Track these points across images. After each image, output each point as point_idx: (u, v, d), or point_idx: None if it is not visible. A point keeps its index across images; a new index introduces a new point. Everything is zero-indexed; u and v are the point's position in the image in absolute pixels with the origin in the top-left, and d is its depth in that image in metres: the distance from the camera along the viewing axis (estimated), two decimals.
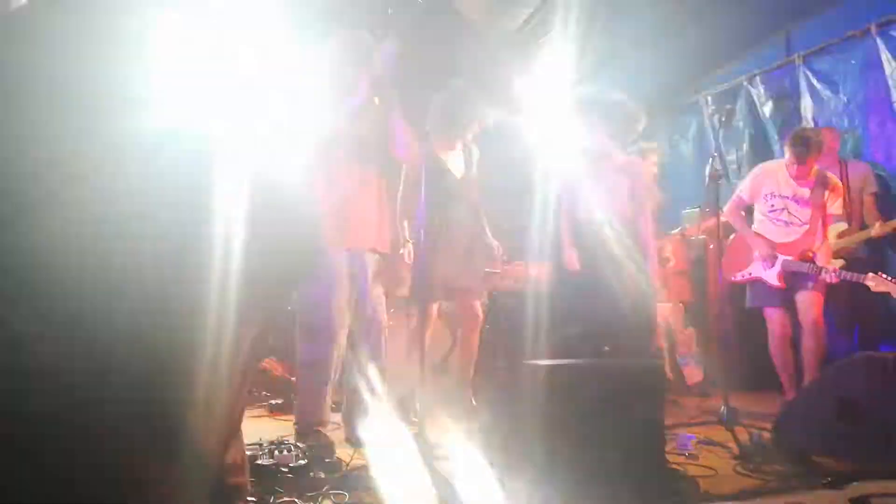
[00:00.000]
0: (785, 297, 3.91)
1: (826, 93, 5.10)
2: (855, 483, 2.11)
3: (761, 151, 5.61)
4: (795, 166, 3.87)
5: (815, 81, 5.18)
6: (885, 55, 4.63)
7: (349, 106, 2.82)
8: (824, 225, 3.95)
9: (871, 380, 2.36)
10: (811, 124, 5.06)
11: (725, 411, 3.16)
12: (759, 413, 3.58)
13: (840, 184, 3.99)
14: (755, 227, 4.07)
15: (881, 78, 4.65)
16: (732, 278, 4.13)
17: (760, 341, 4.09)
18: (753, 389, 4.93)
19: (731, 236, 4.36)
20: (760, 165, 4.20)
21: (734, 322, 4.60)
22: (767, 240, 3.99)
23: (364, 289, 2.97)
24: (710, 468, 2.42)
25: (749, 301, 4.10)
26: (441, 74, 3.47)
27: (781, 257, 3.92)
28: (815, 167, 3.94)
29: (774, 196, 3.99)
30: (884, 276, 3.60)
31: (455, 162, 3.69)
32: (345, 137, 2.93)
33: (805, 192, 3.93)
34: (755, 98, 5.64)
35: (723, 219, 3.95)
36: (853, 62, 4.90)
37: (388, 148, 3.10)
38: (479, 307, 3.73)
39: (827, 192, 3.92)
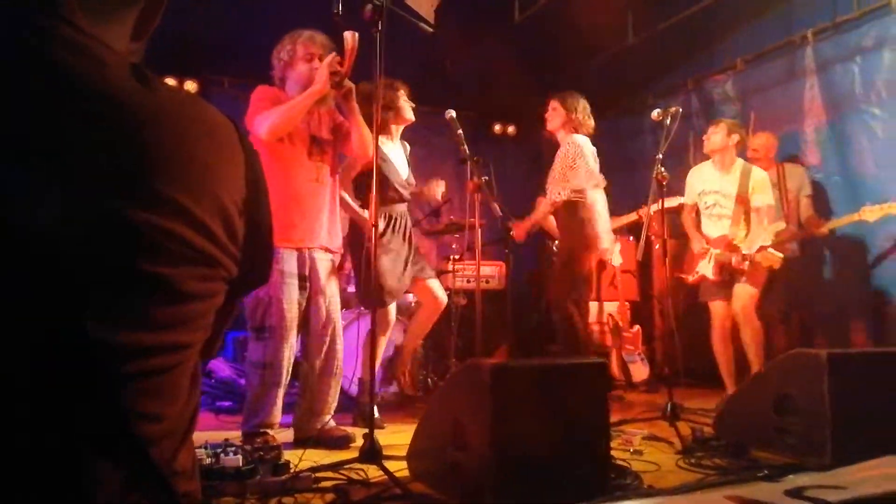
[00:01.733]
0: (724, 291, 4.03)
1: (766, 98, 5.29)
2: (790, 476, 2.19)
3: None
4: (718, 156, 4.08)
5: (754, 87, 5.38)
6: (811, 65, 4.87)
7: (307, 100, 2.77)
8: (747, 216, 4.05)
9: (806, 376, 2.45)
10: (753, 128, 5.23)
11: (669, 407, 3.25)
12: (702, 409, 3.69)
13: (766, 178, 4.10)
14: (702, 225, 4.20)
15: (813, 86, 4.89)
16: (690, 278, 4.24)
17: (705, 338, 4.21)
18: (698, 386, 5.10)
19: None
20: (692, 168, 4.38)
21: (679, 320, 4.73)
22: (702, 235, 4.15)
23: (316, 288, 2.93)
24: (654, 463, 2.48)
25: (700, 297, 4.22)
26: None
27: (713, 251, 4.05)
28: (738, 160, 4.09)
29: (706, 193, 4.15)
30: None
31: (398, 159, 3.66)
32: (299, 133, 2.89)
33: (729, 185, 4.07)
34: (700, 101, 5.82)
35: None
36: (789, 69, 5.10)
37: (342, 147, 3.07)
38: (439, 289, 3.70)
39: (751, 185, 4.03)
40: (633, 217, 5.23)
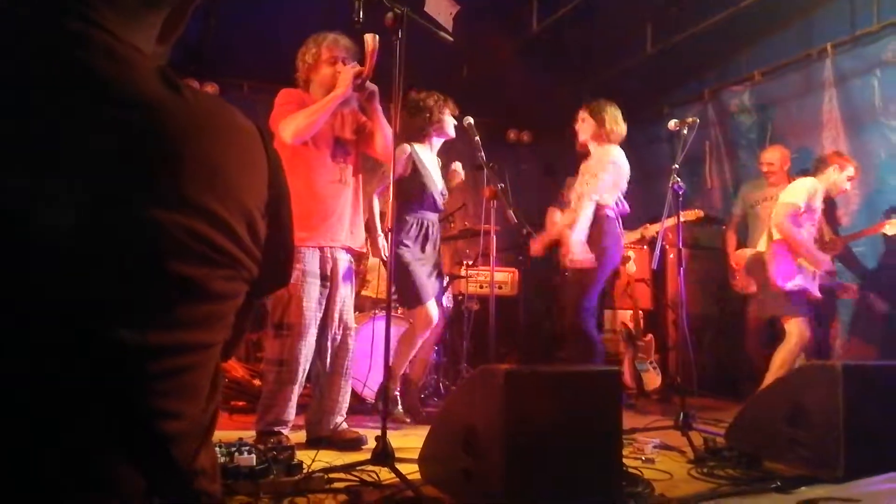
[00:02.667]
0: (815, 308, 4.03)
1: (784, 111, 5.28)
2: (802, 488, 2.18)
3: (724, 165, 5.78)
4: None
5: (772, 99, 5.37)
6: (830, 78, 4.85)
7: (332, 103, 2.81)
8: None
9: (820, 387, 2.44)
10: (770, 140, 5.23)
11: (682, 416, 3.24)
12: (715, 418, 3.67)
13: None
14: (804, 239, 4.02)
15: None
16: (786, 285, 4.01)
17: (719, 348, 4.20)
18: (711, 395, 5.07)
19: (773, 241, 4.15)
20: (812, 180, 4.09)
21: (693, 329, 4.70)
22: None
23: (335, 287, 2.96)
24: (666, 472, 2.48)
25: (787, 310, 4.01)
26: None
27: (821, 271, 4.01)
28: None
29: (816, 212, 4.07)
30: None
31: (434, 169, 3.73)
32: (323, 135, 2.93)
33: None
34: (717, 112, 5.81)
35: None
36: (807, 82, 5.09)
37: (366, 147, 3.10)
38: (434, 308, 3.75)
39: None
40: (636, 235, 5.15)
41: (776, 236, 4.01)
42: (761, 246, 4.16)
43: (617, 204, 3.80)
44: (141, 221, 0.69)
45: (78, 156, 0.67)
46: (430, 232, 3.68)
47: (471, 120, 3.51)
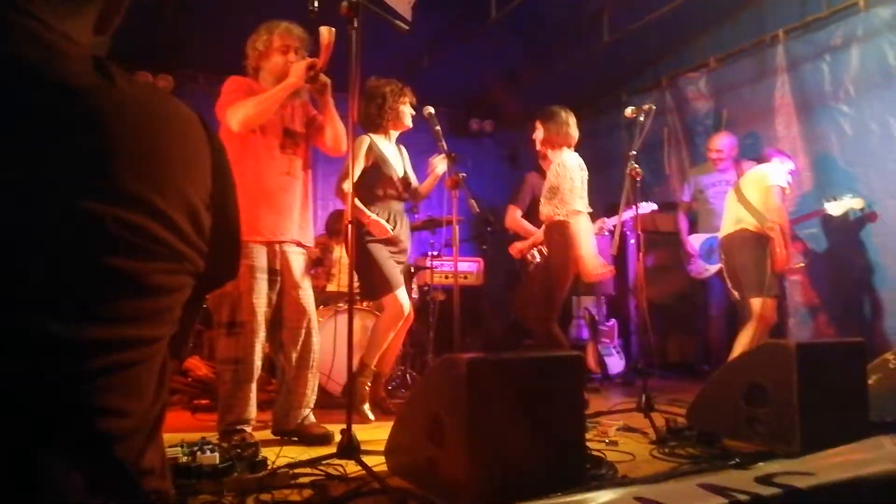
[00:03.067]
0: None
1: (738, 96, 5.39)
2: (760, 463, 2.24)
3: (681, 151, 5.87)
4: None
5: (727, 85, 5.48)
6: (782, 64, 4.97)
7: (281, 93, 2.76)
8: None
9: (775, 366, 2.51)
10: (725, 125, 5.34)
11: (644, 399, 3.30)
12: (676, 399, 3.75)
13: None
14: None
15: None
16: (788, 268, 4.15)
17: (679, 332, 4.29)
18: (673, 377, 5.19)
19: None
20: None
21: (655, 313, 4.78)
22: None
23: (290, 282, 2.93)
24: (629, 453, 2.52)
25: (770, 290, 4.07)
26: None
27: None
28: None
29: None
30: None
31: (394, 159, 3.70)
32: (272, 126, 2.87)
33: None
34: (674, 99, 5.89)
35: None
36: (760, 68, 5.20)
37: (315, 141, 3.06)
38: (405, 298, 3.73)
39: None
40: (595, 228, 5.16)
41: (767, 222, 4.03)
42: (729, 229, 4.20)
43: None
44: (70, 213, 0.66)
45: (4, 145, 0.65)
46: (398, 222, 3.65)
47: (431, 109, 3.50)
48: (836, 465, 2.17)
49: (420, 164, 3.97)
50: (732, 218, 4.18)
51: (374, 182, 3.60)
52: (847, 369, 2.64)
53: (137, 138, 0.73)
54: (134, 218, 0.69)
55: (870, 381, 2.85)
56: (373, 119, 3.63)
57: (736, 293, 4.22)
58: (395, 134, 3.74)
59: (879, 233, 4.46)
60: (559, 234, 3.72)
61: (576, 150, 3.89)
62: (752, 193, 4.10)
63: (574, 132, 3.87)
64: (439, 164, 3.73)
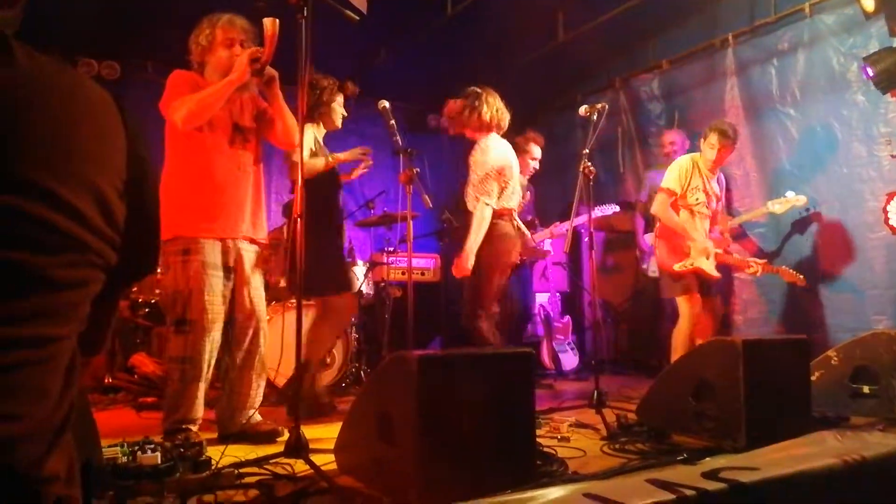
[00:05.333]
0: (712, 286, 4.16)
1: (689, 98, 5.49)
2: (707, 458, 2.28)
3: (635, 151, 5.95)
4: (717, 155, 4.06)
5: (679, 87, 5.57)
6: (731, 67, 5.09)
7: (226, 88, 2.69)
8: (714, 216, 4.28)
9: (722, 363, 2.55)
10: (676, 126, 5.43)
11: (596, 395, 3.33)
12: (628, 396, 3.80)
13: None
14: (682, 220, 4.11)
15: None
16: (673, 267, 4.08)
17: (633, 328, 4.35)
18: (625, 373, 5.26)
19: (657, 226, 4.30)
20: (686, 158, 4.22)
21: (609, 310, 4.84)
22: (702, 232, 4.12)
23: (241, 279, 2.85)
24: (580, 449, 2.53)
25: (675, 290, 4.10)
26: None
27: (714, 249, 4.09)
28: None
29: (698, 189, 4.14)
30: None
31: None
32: (220, 121, 2.80)
33: (713, 184, 4.21)
34: (628, 99, 5.97)
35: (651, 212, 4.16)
36: (711, 70, 5.31)
37: (266, 134, 2.99)
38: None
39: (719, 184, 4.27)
40: (546, 234, 5.13)
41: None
42: None
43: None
44: None
45: None
46: (341, 215, 3.64)
47: (386, 104, 3.45)
48: (779, 459, 2.21)
49: (376, 159, 3.94)
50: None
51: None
52: (791, 366, 2.70)
53: (36, 121, 0.67)
54: (31, 207, 0.64)
55: (813, 378, 2.93)
56: (308, 111, 3.55)
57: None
58: (324, 131, 3.67)
59: (823, 233, 4.61)
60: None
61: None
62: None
63: (502, 115, 3.62)
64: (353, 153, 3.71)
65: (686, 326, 4.00)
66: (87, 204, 0.69)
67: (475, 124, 3.60)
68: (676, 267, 4.04)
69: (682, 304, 4.03)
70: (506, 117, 3.64)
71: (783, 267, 4.20)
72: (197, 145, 2.74)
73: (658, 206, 4.13)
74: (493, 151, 3.55)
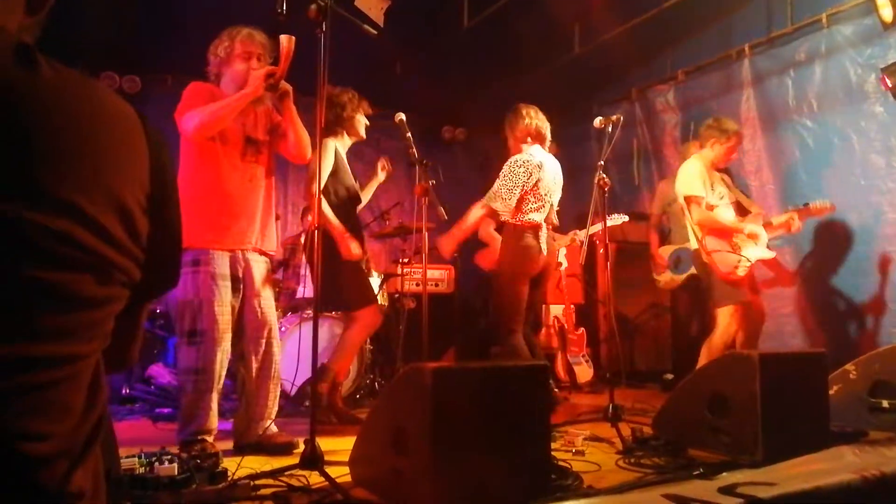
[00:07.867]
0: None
1: (705, 109, 5.47)
2: (724, 473, 2.26)
3: (650, 163, 5.94)
4: (724, 150, 4.11)
5: (694, 98, 5.56)
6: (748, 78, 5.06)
7: (239, 102, 2.73)
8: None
9: (739, 376, 2.53)
10: (692, 137, 5.40)
11: (612, 408, 3.31)
12: (643, 409, 3.77)
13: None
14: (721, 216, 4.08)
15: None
16: (736, 272, 3.96)
17: (648, 341, 4.31)
18: (640, 386, 5.22)
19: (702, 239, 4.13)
20: (695, 161, 4.19)
21: (624, 322, 4.81)
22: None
23: (251, 291, 2.88)
24: (595, 463, 2.52)
25: (731, 298, 3.99)
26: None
27: (761, 230, 4.11)
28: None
29: (717, 184, 4.15)
30: None
31: (349, 166, 3.71)
32: (232, 133, 2.84)
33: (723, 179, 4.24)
34: (643, 110, 5.96)
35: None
36: (727, 81, 5.29)
37: (279, 148, 3.03)
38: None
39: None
40: (566, 241, 5.15)
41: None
42: (694, 243, 4.19)
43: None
44: None
45: None
46: (360, 228, 3.68)
47: (402, 116, 3.48)
48: (797, 475, 2.19)
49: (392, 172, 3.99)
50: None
51: (335, 188, 3.60)
52: (809, 380, 2.68)
53: (62, 135, 0.66)
54: (57, 224, 0.63)
55: (831, 392, 2.90)
56: (330, 126, 3.60)
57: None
58: (349, 143, 3.76)
59: (841, 244, 4.56)
60: (514, 239, 3.71)
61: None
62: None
63: (538, 125, 3.84)
64: (380, 173, 3.79)
65: (720, 339, 3.95)
66: (111, 219, 0.68)
67: (520, 134, 3.82)
68: (740, 272, 3.95)
69: (726, 315, 3.95)
70: (546, 128, 3.86)
71: (811, 204, 4.20)
72: (209, 157, 2.77)
73: (698, 215, 4.05)
74: (527, 166, 3.71)
